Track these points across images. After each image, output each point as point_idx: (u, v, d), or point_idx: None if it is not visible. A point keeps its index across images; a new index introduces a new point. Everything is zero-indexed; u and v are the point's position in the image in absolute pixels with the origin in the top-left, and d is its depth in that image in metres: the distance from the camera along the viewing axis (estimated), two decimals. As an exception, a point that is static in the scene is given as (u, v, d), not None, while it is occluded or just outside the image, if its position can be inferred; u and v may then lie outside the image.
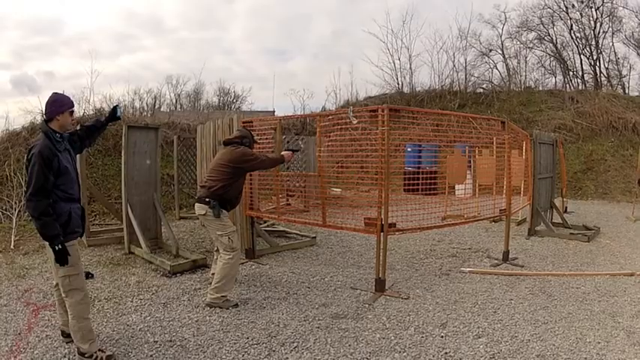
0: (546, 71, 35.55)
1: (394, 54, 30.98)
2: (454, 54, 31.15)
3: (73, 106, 4.33)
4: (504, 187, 9.42)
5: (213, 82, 59.09)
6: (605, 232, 11.25)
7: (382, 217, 6.34)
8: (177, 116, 22.16)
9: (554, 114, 23.51)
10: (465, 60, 31.03)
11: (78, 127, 4.74)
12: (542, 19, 34.58)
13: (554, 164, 12.27)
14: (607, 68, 35.23)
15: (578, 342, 4.87)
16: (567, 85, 33.43)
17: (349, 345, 4.75)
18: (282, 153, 6.80)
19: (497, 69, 33.42)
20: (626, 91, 33.28)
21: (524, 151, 11.37)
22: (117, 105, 4.86)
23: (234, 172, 6.09)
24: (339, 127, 7.20)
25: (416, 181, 9.27)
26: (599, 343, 4.84)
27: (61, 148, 4.16)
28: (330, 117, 7.55)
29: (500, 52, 33.50)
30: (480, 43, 33.20)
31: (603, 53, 34.89)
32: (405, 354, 4.58)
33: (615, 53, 35.07)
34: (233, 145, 6.29)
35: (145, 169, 8.88)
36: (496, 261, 8.39)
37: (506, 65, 33.15)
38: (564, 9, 34.11)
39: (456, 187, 13.13)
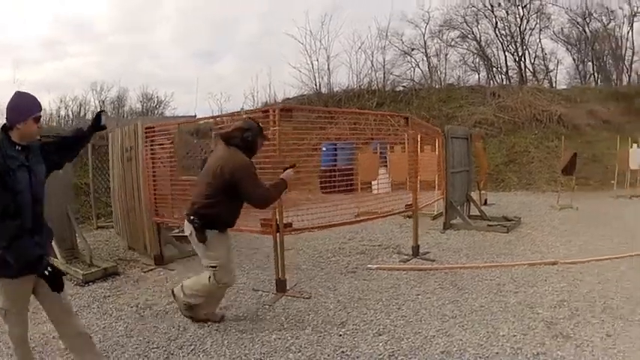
0: (469, 68, 36.67)
1: (312, 55, 31.12)
2: (373, 53, 31.53)
3: (38, 110, 3.65)
4: (416, 182, 9.49)
5: (136, 88, 57.69)
6: (527, 222, 11.46)
7: (277, 217, 6.23)
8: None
9: (475, 109, 24.22)
10: (384, 59, 31.62)
11: (53, 138, 4.19)
12: (466, 17, 35.77)
13: (470, 158, 12.44)
14: (533, 64, 36.76)
15: (490, 336, 4.80)
16: (491, 82, 34.61)
17: (244, 346, 4.73)
18: (282, 176, 5.33)
19: (419, 67, 34.14)
20: (554, 85, 34.87)
21: (437, 146, 11.53)
22: (101, 111, 4.28)
23: (228, 185, 4.87)
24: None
25: (332, 180, 9.35)
26: (514, 336, 4.77)
27: (14, 164, 3.41)
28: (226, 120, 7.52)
29: (423, 50, 34.28)
30: (403, 42, 33.88)
31: (529, 49, 36.44)
32: (299, 354, 4.55)
33: (542, 49, 36.75)
34: (233, 144, 5.03)
35: (58, 180, 8.62)
36: (406, 256, 8.36)
37: (428, 63, 34.00)
38: (489, 7, 35.44)
39: (373, 183, 13.25)
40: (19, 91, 3.65)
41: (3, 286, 3.50)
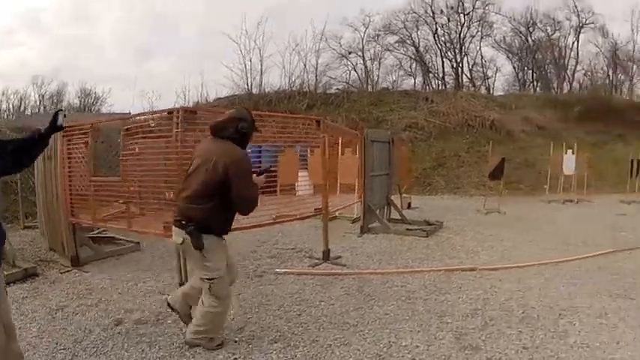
0: (405, 73, 37.24)
1: (246, 55, 31.17)
2: (307, 55, 31.79)
3: None
4: (325, 185, 9.05)
5: (75, 83, 56.29)
6: (450, 227, 11.14)
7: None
8: (33, 120, 21.44)
9: (406, 113, 24.40)
10: (317, 61, 31.93)
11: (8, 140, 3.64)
12: (407, 23, 36.63)
13: (391, 162, 12.14)
14: (471, 70, 38.01)
15: (391, 346, 4.54)
16: (427, 87, 35.26)
17: (142, 350, 4.64)
18: (255, 180, 4.58)
19: (355, 71, 34.86)
20: (491, 92, 35.98)
21: (357, 149, 11.21)
22: (58, 111, 3.80)
23: (223, 183, 4.23)
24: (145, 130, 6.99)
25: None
26: (417, 346, 4.51)
27: None
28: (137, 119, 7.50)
29: (360, 54, 34.90)
30: (341, 46, 34.63)
31: (468, 56, 37.65)
32: (193, 359, 4.43)
33: (482, 56, 38.06)
34: (225, 136, 4.37)
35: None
36: (317, 261, 8.05)
37: (365, 67, 34.53)
38: (431, 14, 36.35)
39: (296, 186, 12.91)
40: None
41: None
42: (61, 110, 3.83)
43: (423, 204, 15.45)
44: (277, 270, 7.45)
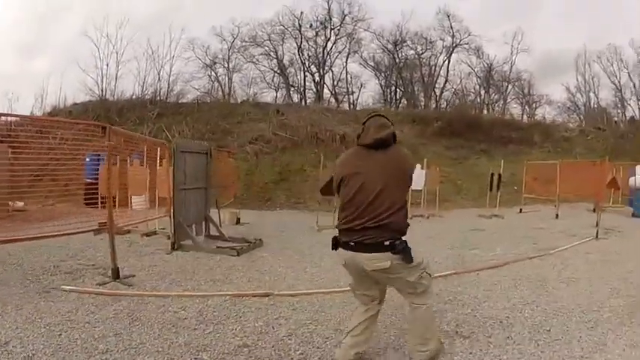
0: (268, 86, 37.60)
1: (104, 60, 30.63)
2: (162, 63, 31.62)
3: None
4: (110, 197, 8.74)
5: None
6: (271, 245, 10.80)
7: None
8: None
9: (255, 126, 24.51)
10: (170, 69, 31.87)
11: None
12: (272, 35, 37.16)
13: (208, 175, 11.77)
14: (335, 86, 39.10)
15: None
16: (286, 100, 35.71)
17: None
18: None
19: (218, 81, 35.46)
20: (352, 107, 37.30)
21: (165, 160, 11.02)
22: None
23: (408, 187, 4.30)
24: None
25: (95, 193, 9.57)
26: None
27: None
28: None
29: (226, 65, 35.53)
30: (207, 55, 35.48)
31: (333, 71, 38.75)
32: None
33: (347, 72, 39.16)
34: (391, 145, 4.27)
35: None
36: (107, 279, 7.62)
37: (228, 78, 35.16)
38: (297, 27, 37.01)
39: (134, 198, 12.61)
40: None
41: None
42: None
43: (257, 219, 15.27)
44: (63, 287, 7.09)
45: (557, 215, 17.66)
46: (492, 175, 19.02)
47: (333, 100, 38.66)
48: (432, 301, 4.63)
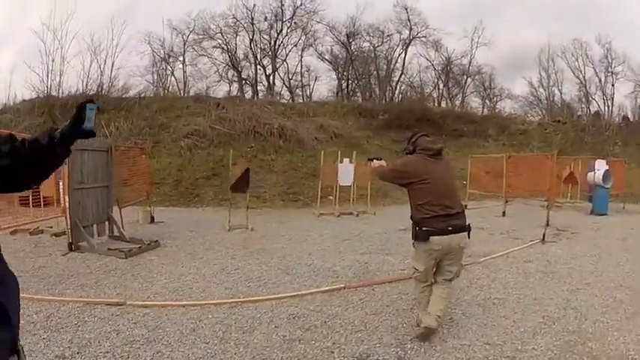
0: (222, 79, 37.79)
1: (50, 55, 29.90)
2: (106, 57, 31.23)
3: None
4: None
5: None
6: (168, 247, 10.48)
7: None
8: None
9: (193, 120, 24.07)
10: (112, 63, 31.34)
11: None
12: (225, 28, 37.01)
13: (110, 172, 11.41)
14: (290, 79, 39.31)
15: None
16: (240, 94, 35.37)
17: None
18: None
19: (174, 75, 36.20)
20: (307, 100, 37.07)
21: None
22: (86, 102, 2.39)
23: None
24: None
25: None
26: None
27: None
28: None
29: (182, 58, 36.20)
30: (163, 48, 35.93)
31: (288, 64, 38.78)
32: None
33: (302, 65, 39.35)
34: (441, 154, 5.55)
35: None
36: None
37: (183, 71, 35.26)
38: (250, 19, 36.80)
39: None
40: None
41: None
42: (91, 102, 2.40)
43: (176, 217, 14.98)
44: None
45: (503, 213, 16.60)
46: None
47: (287, 93, 38.68)
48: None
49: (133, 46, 37.19)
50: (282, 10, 37.15)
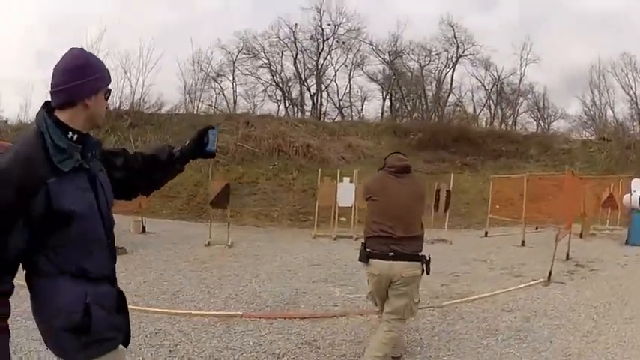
0: (270, 99, 38.45)
1: None
2: (139, 74, 31.72)
3: (110, 80, 2.38)
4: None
5: None
6: (135, 254, 10.82)
7: None
8: None
9: (221, 137, 23.41)
10: (143, 81, 31.73)
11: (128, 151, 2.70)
12: (269, 47, 37.35)
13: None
14: (340, 100, 39.25)
15: None
16: (286, 113, 36.07)
17: None
18: None
19: (223, 94, 37.29)
20: (354, 119, 36.61)
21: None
22: (209, 128, 2.73)
23: (423, 208, 5.24)
24: None
25: None
26: None
27: (67, 167, 2.10)
28: None
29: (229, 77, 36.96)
30: (210, 67, 36.34)
31: (337, 84, 38.83)
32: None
33: (351, 85, 39.12)
34: (411, 172, 5.13)
35: None
36: None
37: (233, 91, 36.16)
38: (292, 39, 37.06)
39: None
40: (80, 48, 2.28)
41: None
42: (213, 128, 2.74)
43: (171, 230, 15.21)
44: None
45: (522, 242, 14.06)
46: (438, 191, 15.26)
47: (335, 113, 38.79)
48: (403, 331, 5.30)
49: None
50: (322, 29, 37.09)
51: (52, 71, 2.15)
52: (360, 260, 4.89)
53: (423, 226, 4.95)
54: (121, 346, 2.42)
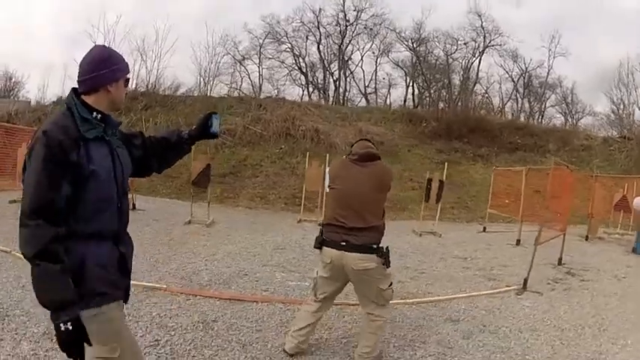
0: (294, 83, 39.12)
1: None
2: (155, 56, 32.82)
3: (129, 70, 2.86)
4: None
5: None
6: None
7: None
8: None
9: (231, 119, 24.42)
10: (158, 63, 32.58)
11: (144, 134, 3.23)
12: (294, 32, 38.02)
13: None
14: (366, 85, 39.41)
15: None
16: (309, 98, 36.36)
17: None
18: None
19: (249, 77, 37.93)
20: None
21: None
22: (212, 113, 3.15)
23: (385, 197, 4.87)
24: None
25: None
26: None
27: (91, 135, 2.56)
28: None
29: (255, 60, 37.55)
30: (237, 51, 37.52)
31: (364, 70, 39.03)
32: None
33: (377, 72, 39.47)
34: (377, 159, 4.85)
35: None
36: None
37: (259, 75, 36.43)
38: (316, 24, 37.58)
39: None
40: (103, 45, 3.00)
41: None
42: (215, 113, 3.16)
43: (162, 208, 15.36)
44: None
45: (518, 241, 13.20)
46: (430, 180, 14.79)
47: (360, 99, 38.87)
48: (389, 316, 5.13)
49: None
50: (345, 15, 37.27)
51: (79, 63, 2.65)
52: (315, 247, 4.80)
53: (384, 215, 4.75)
54: (117, 302, 2.69)
